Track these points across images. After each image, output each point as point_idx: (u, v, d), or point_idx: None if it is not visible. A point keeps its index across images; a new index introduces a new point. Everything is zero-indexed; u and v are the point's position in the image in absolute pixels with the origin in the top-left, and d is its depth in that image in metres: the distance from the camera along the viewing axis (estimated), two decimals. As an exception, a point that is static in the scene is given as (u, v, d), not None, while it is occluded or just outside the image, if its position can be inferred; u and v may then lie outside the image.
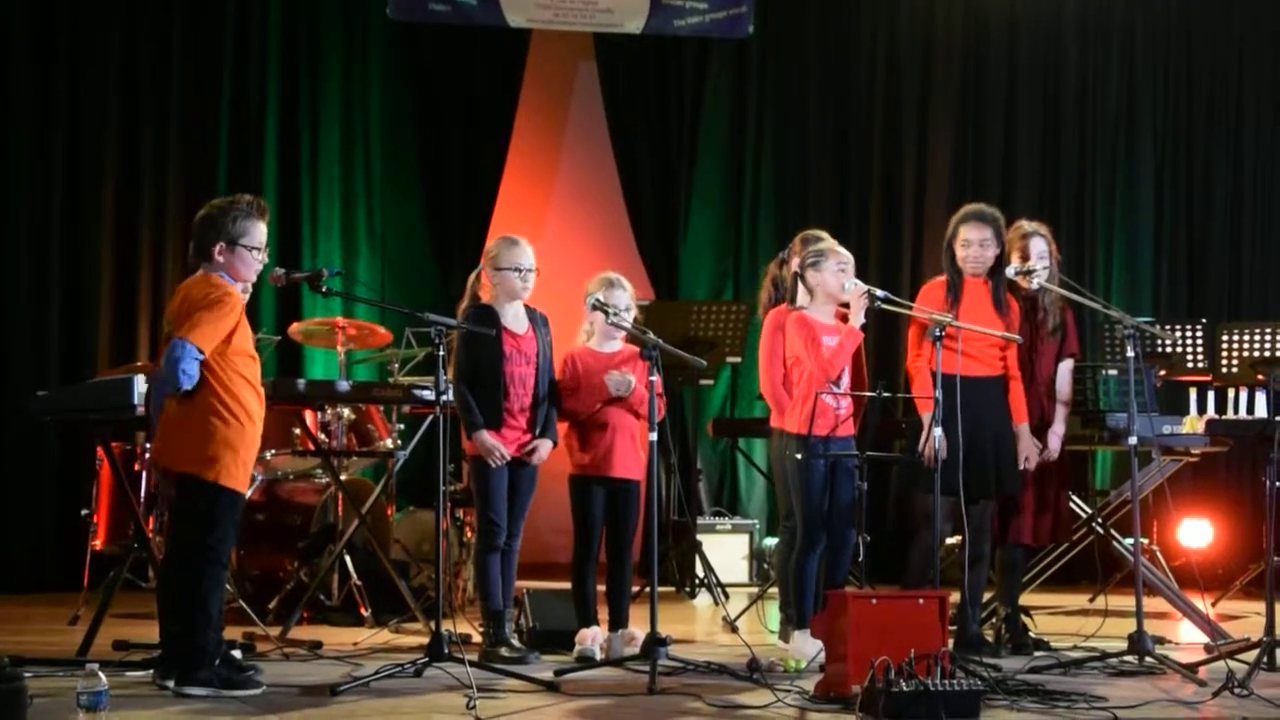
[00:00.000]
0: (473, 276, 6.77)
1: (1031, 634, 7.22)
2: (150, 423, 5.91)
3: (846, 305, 6.77)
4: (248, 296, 5.86)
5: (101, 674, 4.63)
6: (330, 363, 9.39)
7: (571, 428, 6.80)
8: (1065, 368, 7.16)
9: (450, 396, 6.63)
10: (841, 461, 6.64)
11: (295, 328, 8.63)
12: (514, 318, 6.71)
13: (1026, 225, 7.13)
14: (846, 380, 6.74)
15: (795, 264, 6.89)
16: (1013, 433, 6.91)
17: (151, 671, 5.78)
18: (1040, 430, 7.01)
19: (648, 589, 6.20)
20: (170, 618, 5.69)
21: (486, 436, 6.57)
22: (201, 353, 5.55)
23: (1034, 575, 8.43)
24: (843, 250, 6.85)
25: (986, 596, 7.25)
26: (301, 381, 7.28)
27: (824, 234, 7.17)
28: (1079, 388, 7.48)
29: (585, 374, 6.74)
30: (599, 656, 6.56)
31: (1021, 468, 6.92)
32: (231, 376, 5.63)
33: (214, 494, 5.61)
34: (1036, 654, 6.79)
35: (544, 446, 6.72)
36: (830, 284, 6.73)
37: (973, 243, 6.88)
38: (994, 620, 7.20)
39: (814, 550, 6.68)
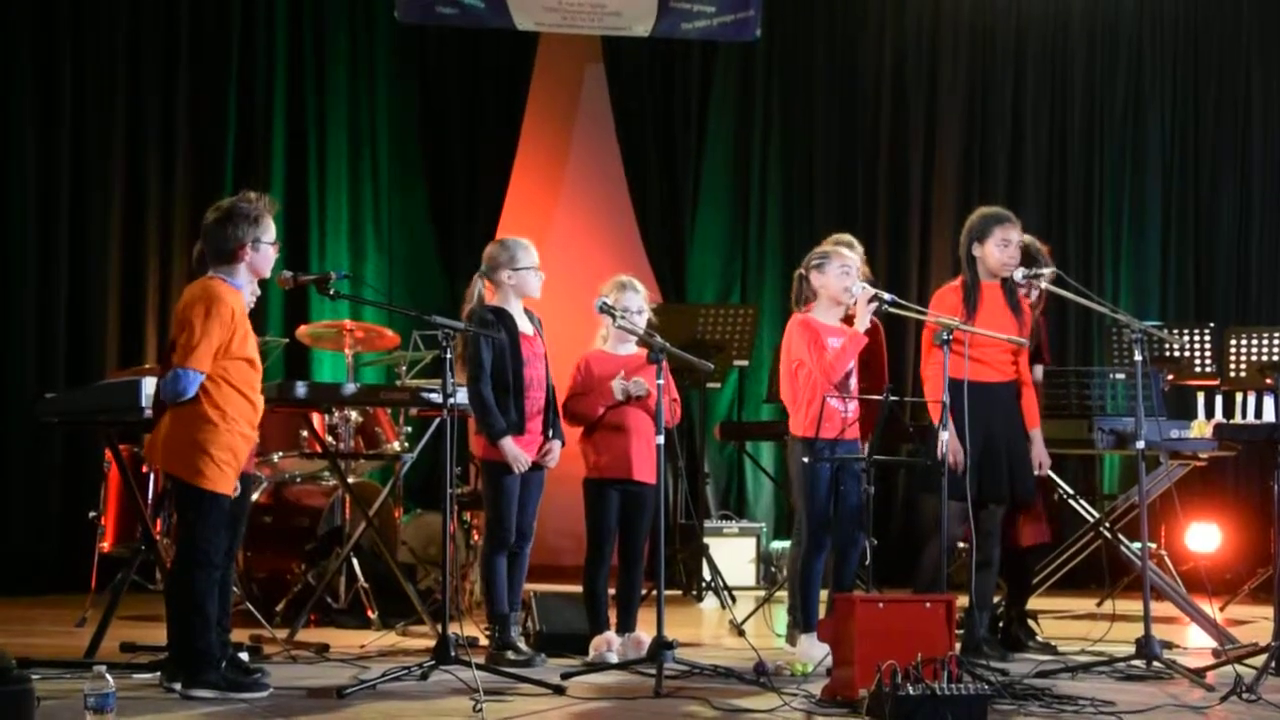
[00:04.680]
0: (477, 278, 6.76)
1: (1039, 637, 7.23)
2: (156, 425, 5.93)
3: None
4: (255, 299, 5.87)
5: (109, 676, 4.64)
6: (338, 365, 9.40)
7: (586, 432, 6.79)
8: (1037, 373, 7.22)
9: (461, 399, 6.64)
10: (848, 465, 6.63)
11: (303, 330, 8.64)
12: (521, 319, 6.71)
13: (1025, 237, 7.18)
14: (854, 383, 6.73)
15: (800, 269, 6.88)
16: (1025, 438, 6.91)
17: (159, 674, 5.79)
18: None
19: (655, 592, 6.20)
20: (171, 620, 5.71)
21: (512, 444, 6.55)
22: (203, 373, 5.59)
23: (1042, 579, 8.43)
24: (848, 253, 6.84)
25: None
26: (301, 385, 7.27)
27: (852, 239, 7.18)
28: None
29: (598, 378, 6.73)
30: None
31: (1036, 473, 6.92)
32: (219, 382, 5.64)
33: (194, 495, 5.63)
34: (1043, 658, 6.78)
35: (556, 448, 6.72)
36: (833, 286, 6.73)
37: (1011, 243, 6.89)
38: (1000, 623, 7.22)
39: (819, 553, 6.67)
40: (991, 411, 6.75)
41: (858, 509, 6.66)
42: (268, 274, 5.84)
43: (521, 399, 6.59)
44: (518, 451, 6.54)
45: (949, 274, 7.16)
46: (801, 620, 6.72)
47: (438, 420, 7.33)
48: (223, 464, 5.65)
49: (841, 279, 6.73)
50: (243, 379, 5.71)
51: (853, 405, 6.69)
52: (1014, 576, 7.34)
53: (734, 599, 8.85)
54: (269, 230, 5.78)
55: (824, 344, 6.67)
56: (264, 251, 5.77)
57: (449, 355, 6.06)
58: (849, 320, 6.88)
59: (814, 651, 6.43)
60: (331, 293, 6.08)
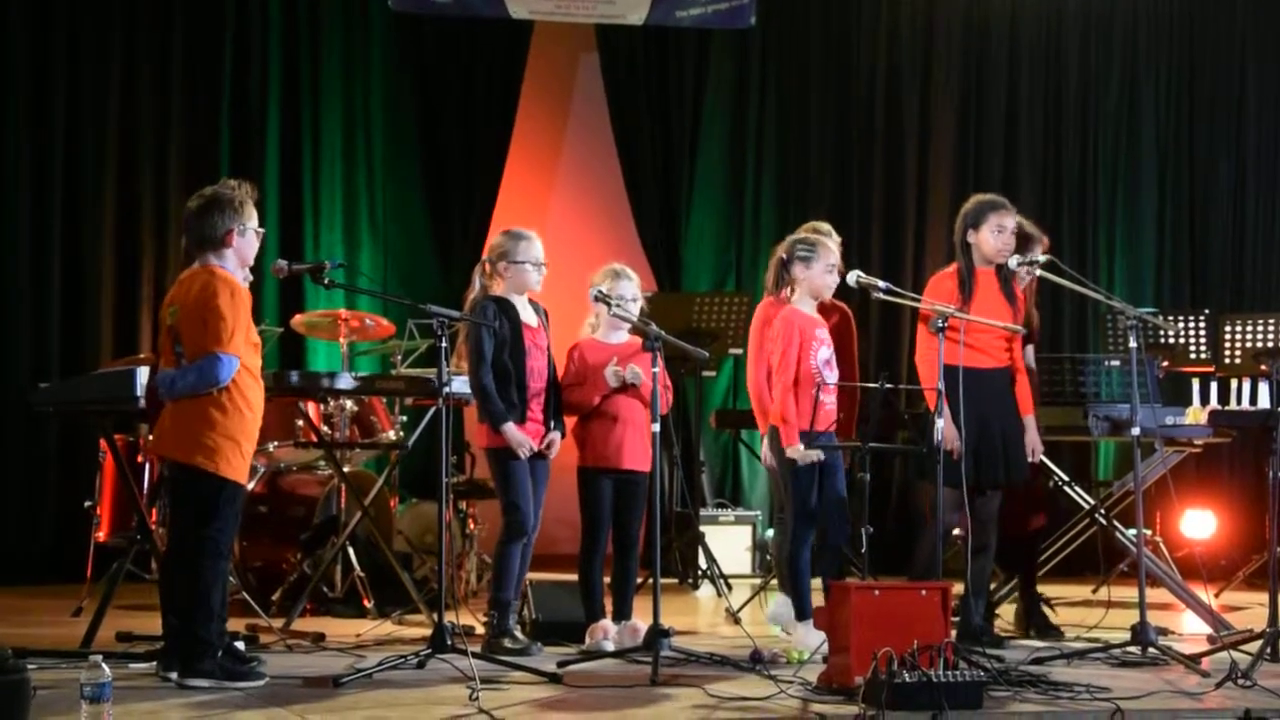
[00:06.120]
0: (478, 268, 6.76)
1: (1053, 620, 7.28)
2: (151, 415, 5.91)
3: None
4: (248, 284, 5.86)
5: (105, 666, 4.63)
6: (333, 354, 9.39)
7: (580, 420, 6.79)
8: (1029, 354, 7.25)
9: (459, 388, 6.65)
10: (828, 455, 6.66)
11: (298, 319, 8.64)
12: (524, 310, 6.71)
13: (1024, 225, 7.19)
14: (836, 375, 6.74)
15: (781, 253, 6.88)
16: (1019, 424, 6.92)
17: (155, 663, 5.79)
18: None
19: (650, 580, 6.21)
20: (171, 610, 5.69)
21: (515, 430, 6.55)
22: (238, 358, 5.57)
23: (1039, 565, 8.44)
24: (834, 249, 6.85)
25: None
26: (296, 374, 7.25)
27: (830, 228, 7.20)
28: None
29: (593, 367, 6.73)
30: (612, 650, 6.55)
31: (1030, 459, 6.93)
32: (240, 369, 5.61)
33: (214, 485, 5.60)
34: (1040, 645, 6.82)
35: (558, 439, 6.73)
36: (817, 282, 6.75)
37: (1006, 229, 6.89)
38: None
39: (805, 541, 6.70)
40: (986, 398, 6.76)
41: (834, 501, 6.68)
42: (252, 260, 5.82)
43: (523, 389, 6.60)
44: (521, 436, 6.55)
45: (944, 261, 7.17)
46: (796, 608, 6.74)
47: (433, 409, 7.33)
48: (246, 454, 5.66)
49: (825, 276, 6.75)
50: (254, 364, 5.72)
51: (831, 398, 6.70)
52: (1026, 562, 7.36)
53: (730, 587, 8.86)
54: (253, 216, 5.78)
55: (813, 336, 6.68)
56: (250, 237, 5.76)
57: (444, 344, 6.06)
58: (823, 310, 6.93)
59: (810, 639, 6.44)
60: (326, 282, 6.07)
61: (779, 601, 6.97)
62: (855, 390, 7.08)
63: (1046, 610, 7.38)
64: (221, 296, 5.59)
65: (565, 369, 6.79)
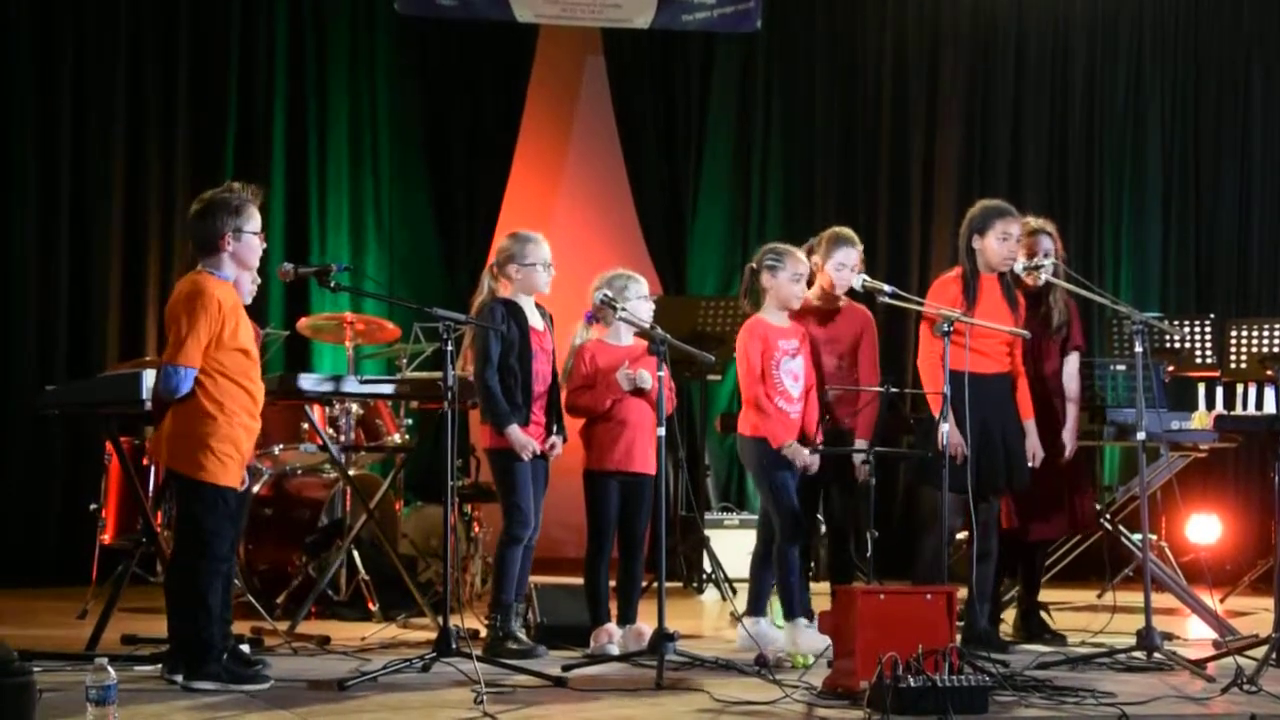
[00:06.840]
0: (486, 272, 6.77)
1: (1052, 628, 7.25)
2: (157, 418, 5.92)
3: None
4: (255, 289, 5.86)
5: (110, 668, 4.63)
6: (339, 358, 9.40)
7: (587, 423, 6.80)
8: (1072, 362, 7.18)
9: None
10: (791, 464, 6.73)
11: (304, 323, 8.64)
12: (532, 314, 6.72)
13: (1032, 222, 7.14)
14: (802, 385, 6.75)
15: (752, 262, 6.91)
16: (1021, 429, 6.91)
17: (160, 666, 5.79)
18: (1042, 427, 7.00)
19: (655, 584, 6.21)
20: (173, 613, 5.70)
21: (519, 432, 6.56)
22: (193, 369, 5.57)
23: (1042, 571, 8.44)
24: (804, 260, 6.85)
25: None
26: (302, 377, 7.25)
27: (852, 234, 7.17)
28: (1085, 383, 7.49)
29: (603, 370, 6.74)
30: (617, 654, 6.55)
31: (1030, 464, 6.92)
32: (214, 375, 5.62)
33: (198, 490, 5.62)
34: (1048, 649, 6.81)
35: (559, 443, 6.75)
36: (784, 291, 6.77)
37: (1012, 236, 6.87)
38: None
39: (794, 544, 6.74)
40: (987, 403, 6.75)
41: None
42: (255, 263, 5.81)
43: (528, 392, 6.61)
44: (525, 439, 6.55)
45: (949, 264, 7.16)
46: (785, 606, 6.79)
47: (439, 412, 7.33)
48: (224, 457, 5.64)
49: (791, 285, 6.76)
50: (239, 370, 5.69)
51: (797, 407, 6.70)
52: (1028, 568, 7.36)
53: (734, 590, 8.85)
54: (252, 219, 5.75)
55: (776, 346, 6.70)
56: (247, 241, 5.73)
57: (450, 348, 6.06)
58: (845, 314, 6.93)
59: (815, 643, 6.44)
60: (332, 285, 6.07)
61: (756, 622, 6.94)
62: (867, 395, 7.07)
63: (1045, 617, 7.36)
64: (182, 305, 5.60)
65: (575, 372, 6.79)
